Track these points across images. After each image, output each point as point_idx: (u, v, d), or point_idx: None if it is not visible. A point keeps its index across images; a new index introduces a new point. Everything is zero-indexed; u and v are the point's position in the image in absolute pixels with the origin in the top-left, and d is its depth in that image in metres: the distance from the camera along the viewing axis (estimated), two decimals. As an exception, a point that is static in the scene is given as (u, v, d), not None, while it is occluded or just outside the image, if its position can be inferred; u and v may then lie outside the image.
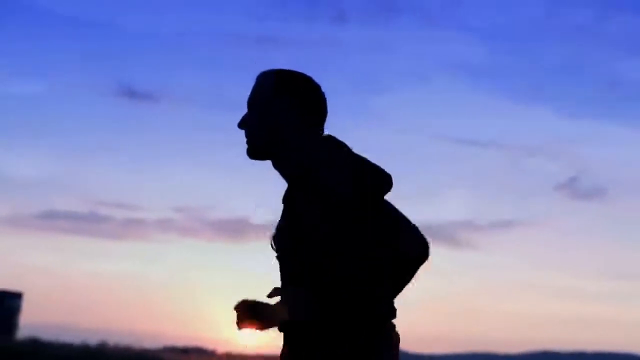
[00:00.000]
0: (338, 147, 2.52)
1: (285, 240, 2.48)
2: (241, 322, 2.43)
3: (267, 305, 2.43)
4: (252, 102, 2.62)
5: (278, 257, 2.53)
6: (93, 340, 23.94)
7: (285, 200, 2.53)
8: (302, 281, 2.40)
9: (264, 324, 2.44)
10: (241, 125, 2.62)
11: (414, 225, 2.59)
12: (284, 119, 2.55)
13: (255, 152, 2.60)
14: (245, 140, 2.62)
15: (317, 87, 2.61)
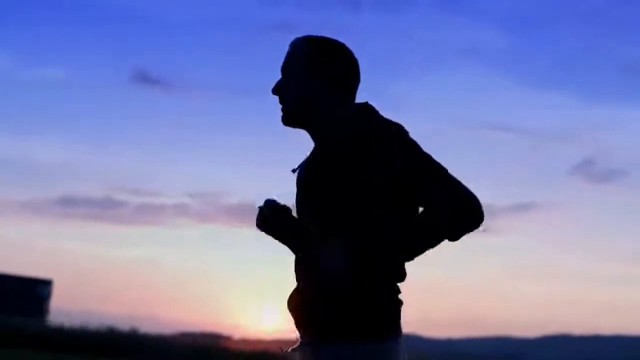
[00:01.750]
0: (372, 115, 2.56)
1: (315, 189, 2.54)
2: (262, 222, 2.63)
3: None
4: (285, 68, 2.63)
5: (299, 186, 2.61)
6: (108, 324, 24.46)
7: (315, 160, 2.58)
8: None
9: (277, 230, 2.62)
10: (275, 91, 2.62)
11: (459, 184, 2.47)
12: (317, 86, 2.57)
13: (289, 119, 2.62)
14: (280, 107, 2.63)
15: (350, 54, 2.63)
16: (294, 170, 2.61)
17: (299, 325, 2.55)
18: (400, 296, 2.52)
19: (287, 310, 2.58)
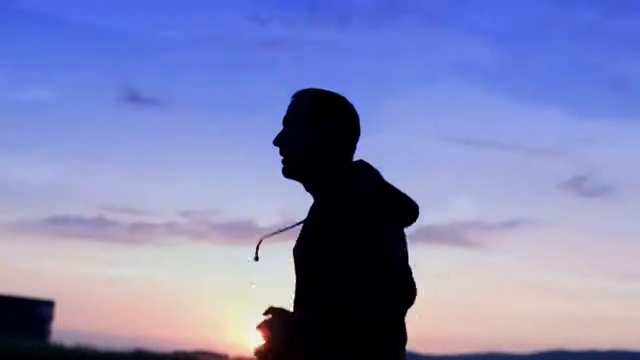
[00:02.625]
0: (368, 176, 2.56)
1: (304, 253, 2.49)
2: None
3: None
4: (290, 120, 2.64)
5: (295, 268, 2.53)
6: (103, 345, 24.56)
7: (311, 215, 2.55)
8: (313, 298, 2.44)
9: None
10: (277, 142, 2.64)
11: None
12: (321, 141, 2.58)
13: (291, 171, 2.62)
14: (280, 158, 2.63)
15: (352, 109, 2.65)
16: (286, 228, 2.57)
17: None
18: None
19: None
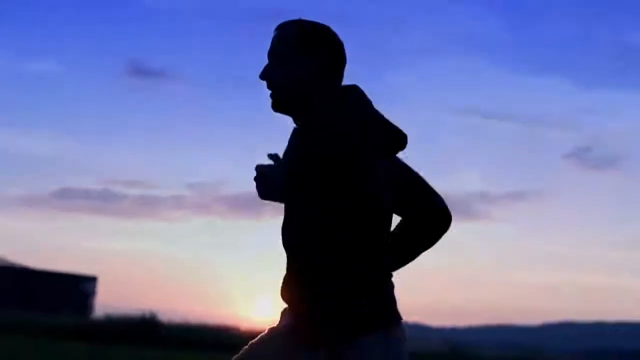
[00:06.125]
0: (356, 102, 2.52)
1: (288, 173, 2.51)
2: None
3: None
4: (274, 53, 2.59)
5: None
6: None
7: (292, 138, 2.58)
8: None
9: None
10: (263, 76, 2.59)
11: (435, 192, 2.58)
12: (307, 72, 2.54)
13: (279, 104, 2.57)
14: (268, 93, 2.59)
15: (337, 37, 2.60)
16: (270, 156, 2.58)
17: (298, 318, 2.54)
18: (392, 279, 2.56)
19: (283, 300, 2.60)
